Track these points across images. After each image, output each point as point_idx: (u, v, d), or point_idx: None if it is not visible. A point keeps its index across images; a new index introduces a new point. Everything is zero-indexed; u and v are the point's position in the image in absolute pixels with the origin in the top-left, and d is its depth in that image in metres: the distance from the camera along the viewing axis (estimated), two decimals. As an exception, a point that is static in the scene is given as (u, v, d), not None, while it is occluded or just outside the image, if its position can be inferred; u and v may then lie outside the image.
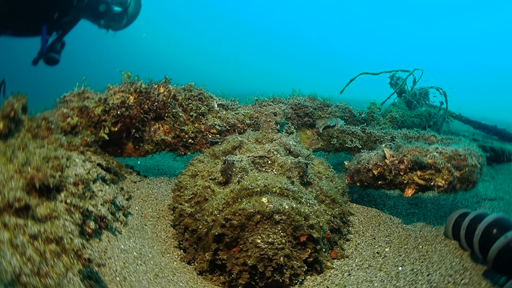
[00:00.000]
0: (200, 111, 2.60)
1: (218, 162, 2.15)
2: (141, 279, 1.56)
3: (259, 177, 1.77)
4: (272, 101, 2.96)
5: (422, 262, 1.85)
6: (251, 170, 1.90)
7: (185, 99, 2.59)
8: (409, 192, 2.12)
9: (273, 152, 2.04)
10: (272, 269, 1.58)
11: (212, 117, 2.63)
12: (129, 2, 5.03)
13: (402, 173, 2.10)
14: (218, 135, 2.60)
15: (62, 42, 4.87)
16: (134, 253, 1.72)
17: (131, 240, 1.80)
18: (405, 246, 2.05)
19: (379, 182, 2.26)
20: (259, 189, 1.68)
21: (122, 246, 1.69)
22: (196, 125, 2.59)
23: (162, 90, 2.52)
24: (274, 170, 1.95)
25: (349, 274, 1.79)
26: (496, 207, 2.67)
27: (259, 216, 1.57)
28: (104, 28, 5.28)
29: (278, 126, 2.60)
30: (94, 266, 1.33)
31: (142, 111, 2.41)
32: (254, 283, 1.62)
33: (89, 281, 1.24)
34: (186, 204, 1.95)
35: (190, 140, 2.58)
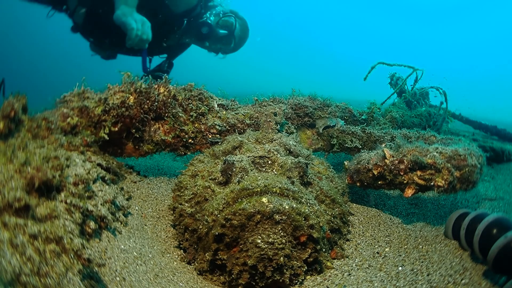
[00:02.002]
0: (200, 111, 2.60)
1: (218, 162, 2.15)
2: (141, 279, 1.56)
3: (259, 177, 1.78)
4: (272, 101, 2.96)
5: (422, 262, 1.85)
6: (251, 170, 1.90)
7: (185, 99, 2.59)
8: (409, 192, 2.12)
9: (273, 152, 2.04)
10: (272, 269, 1.58)
11: (212, 117, 2.63)
12: (235, 24, 4.94)
13: (402, 173, 2.10)
14: (218, 135, 2.60)
15: (171, 63, 5.03)
16: (134, 253, 1.72)
17: (131, 240, 1.80)
18: (405, 246, 2.05)
19: (379, 182, 2.26)
20: (259, 189, 1.68)
21: (122, 246, 1.69)
22: (196, 125, 2.59)
23: (162, 90, 2.52)
24: (274, 170, 1.95)
25: (349, 274, 1.79)
26: (496, 207, 2.67)
27: (259, 216, 1.57)
28: (212, 51, 5.29)
29: (278, 126, 2.61)
30: (94, 266, 1.33)
31: (142, 111, 2.41)
32: (254, 283, 1.62)
33: (89, 281, 1.24)
34: (186, 204, 1.95)
35: (190, 140, 2.58)
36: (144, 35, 3.83)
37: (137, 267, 1.63)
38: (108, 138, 2.29)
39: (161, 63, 4.96)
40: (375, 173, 2.21)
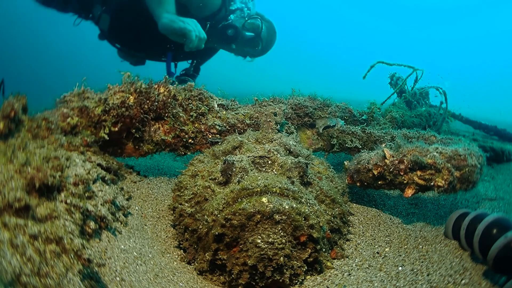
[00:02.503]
0: (200, 111, 2.60)
1: (218, 162, 2.15)
2: (141, 279, 1.56)
3: (259, 177, 1.78)
4: (272, 101, 2.96)
5: (422, 262, 1.85)
6: (251, 170, 1.90)
7: (185, 99, 2.59)
8: (409, 192, 2.12)
9: (273, 152, 2.04)
10: (272, 269, 1.58)
11: (212, 117, 2.63)
12: (261, 26, 4.83)
13: (402, 173, 2.11)
14: (218, 135, 2.60)
15: (197, 67, 5.05)
16: (134, 253, 1.72)
17: (131, 240, 1.80)
18: (405, 246, 2.05)
19: (379, 182, 2.26)
20: (259, 189, 1.68)
21: (122, 246, 1.70)
22: (196, 125, 2.59)
23: (162, 90, 2.51)
24: (274, 170, 1.95)
25: (349, 274, 1.79)
26: (496, 207, 2.67)
27: (259, 216, 1.57)
28: (240, 54, 5.21)
29: (278, 126, 2.61)
30: (94, 266, 1.33)
31: (142, 111, 2.41)
32: (254, 283, 1.62)
33: (89, 281, 1.24)
34: (186, 204, 1.95)
35: (190, 140, 2.58)
36: (201, 34, 3.84)
37: (137, 267, 1.63)
38: (108, 138, 2.29)
39: (188, 68, 4.97)
40: (375, 173, 2.21)
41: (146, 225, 2.09)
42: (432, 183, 2.05)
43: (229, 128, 2.65)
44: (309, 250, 1.69)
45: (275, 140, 2.29)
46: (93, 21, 4.80)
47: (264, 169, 1.96)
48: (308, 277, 1.77)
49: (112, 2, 4.52)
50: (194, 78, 4.92)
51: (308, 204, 1.77)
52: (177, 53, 4.71)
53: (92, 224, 1.56)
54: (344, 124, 3.06)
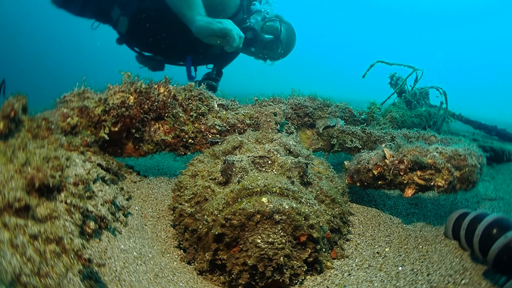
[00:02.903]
0: (200, 111, 2.60)
1: (218, 162, 2.15)
2: (141, 279, 1.56)
3: (259, 177, 1.77)
4: (272, 101, 2.96)
5: (422, 262, 1.85)
6: (251, 170, 1.90)
7: (185, 99, 2.59)
8: (409, 192, 2.12)
9: (273, 152, 2.04)
10: (272, 269, 1.58)
11: (212, 117, 2.63)
12: (280, 29, 4.77)
13: (402, 173, 2.10)
14: (218, 135, 2.60)
15: (219, 71, 4.98)
16: (134, 253, 1.72)
17: (131, 240, 1.80)
18: (405, 246, 2.05)
19: (379, 182, 2.26)
20: (259, 189, 1.68)
21: (122, 246, 1.69)
22: (196, 125, 2.59)
23: (162, 90, 2.51)
24: (274, 170, 1.95)
25: (349, 274, 1.79)
26: (496, 207, 2.67)
27: (259, 216, 1.57)
28: (260, 58, 5.14)
29: (278, 126, 2.61)
30: (94, 266, 1.33)
31: (142, 111, 2.41)
32: (254, 283, 1.62)
33: (89, 281, 1.24)
34: (186, 204, 1.95)
35: (190, 140, 2.58)
36: (240, 33, 3.81)
37: (137, 267, 1.63)
38: (108, 138, 2.29)
39: (210, 71, 4.93)
40: (375, 173, 2.21)
41: (146, 225, 2.09)
42: (432, 183, 2.05)
43: (229, 128, 2.64)
44: (309, 250, 1.69)
45: (275, 140, 2.29)
46: (111, 25, 4.77)
47: (264, 169, 1.96)
48: (308, 277, 1.77)
49: (131, 4, 4.47)
50: (217, 82, 4.85)
51: (308, 204, 1.77)
52: (197, 56, 4.66)
53: (92, 224, 1.56)
54: (344, 124, 3.06)
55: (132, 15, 4.47)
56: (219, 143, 2.47)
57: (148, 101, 2.41)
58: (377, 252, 2.01)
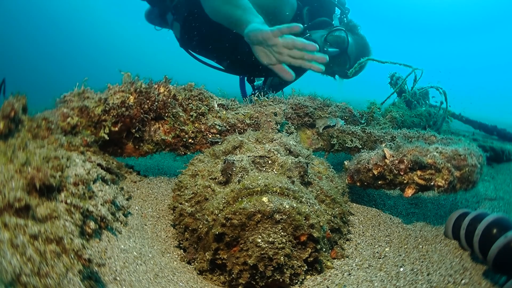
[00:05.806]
0: (200, 111, 2.60)
1: (218, 161, 2.15)
2: (141, 279, 1.56)
3: (260, 177, 1.77)
4: (272, 101, 2.95)
5: (422, 262, 1.85)
6: (252, 170, 1.90)
7: (185, 99, 2.59)
8: (409, 192, 2.12)
9: (273, 152, 2.04)
10: (272, 268, 1.58)
11: (212, 117, 2.63)
12: (347, 40, 4.09)
13: (402, 173, 2.10)
14: (218, 135, 2.60)
15: (278, 88, 4.91)
16: (134, 252, 1.72)
17: (131, 240, 1.80)
18: (405, 246, 2.05)
19: (379, 182, 2.26)
20: (259, 189, 1.68)
21: (122, 246, 1.69)
22: (196, 125, 2.59)
23: (162, 90, 2.51)
24: (274, 170, 1.95)
25: (349, 274, 1.79)
26: (496, 207, 2.67)
27: (259, 216, 1.57)
28: (328, 74, 4.52)
29: (278, 126, 2.61)
30: (94, 266, 1.32)
31: (142, 111, 2.41)
32: (254, 283, 1.62)
33: (89, 281, 1.24)
34: (186, 204, 1.95)
35: (190, 140, 2.58)
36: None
37: (137, 266, 1.63)
38: (108, 138, 2.29)
39: (262, 84, 4.84)
40: (375, 173, 2.21)
41: (146, 225, 2.09)
42: (432, 183, 2.05)
43: (229, 128, 2.64)
44: (309, 250, 1.69)
45: (275, 140, 2.29)
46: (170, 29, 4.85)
47: (264, 169, 1.96)
48: (308, 276, 1.77)
49: (182, 9, 4.42)
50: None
51: (309, 204, 1.77)
52: (250, 69, 4.43)
53: (92, 224, 1.56)
54: (344, 124, 3.06)
55: (183, 20, 4.44)
56: (219, 143, 2.47)
57: (148, 101, 2.41)
58: (377, 252, 2.01)
